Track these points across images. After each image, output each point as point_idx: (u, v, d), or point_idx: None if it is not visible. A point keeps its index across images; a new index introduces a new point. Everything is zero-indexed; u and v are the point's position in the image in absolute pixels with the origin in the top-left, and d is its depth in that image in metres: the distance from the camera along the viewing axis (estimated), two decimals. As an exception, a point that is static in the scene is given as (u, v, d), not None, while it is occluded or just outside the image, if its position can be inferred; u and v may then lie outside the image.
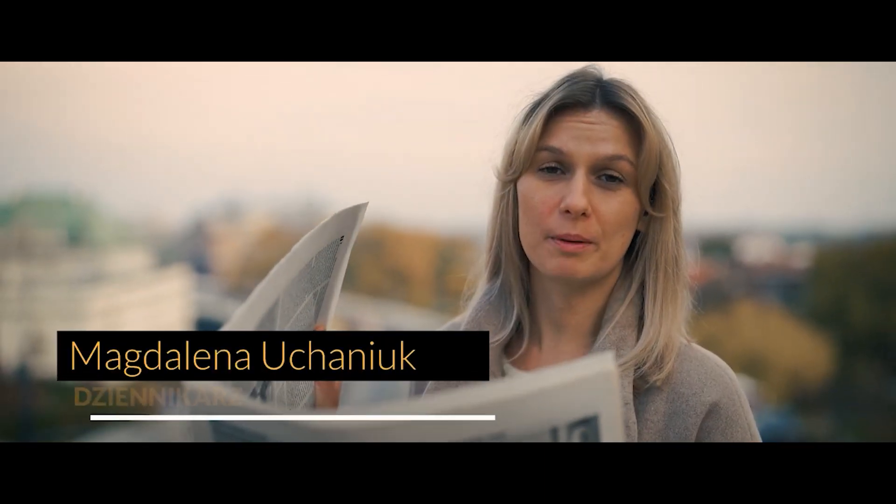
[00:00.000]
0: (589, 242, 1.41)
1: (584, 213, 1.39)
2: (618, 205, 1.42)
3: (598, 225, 1.41)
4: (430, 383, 1.50)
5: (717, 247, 56.76)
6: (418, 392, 1.60)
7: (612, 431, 0.93)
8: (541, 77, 1.50)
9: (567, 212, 1.40)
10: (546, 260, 1.42)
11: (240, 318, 1.14)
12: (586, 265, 1.42)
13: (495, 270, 1.54)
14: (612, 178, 1.42)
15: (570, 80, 1.46)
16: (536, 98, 1.48)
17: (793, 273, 48.65)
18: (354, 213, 1.36)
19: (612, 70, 1.49)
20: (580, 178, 1.40)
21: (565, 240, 1.40)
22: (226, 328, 1.12)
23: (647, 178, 1.43)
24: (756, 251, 56.64)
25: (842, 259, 41.47)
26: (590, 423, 0.92)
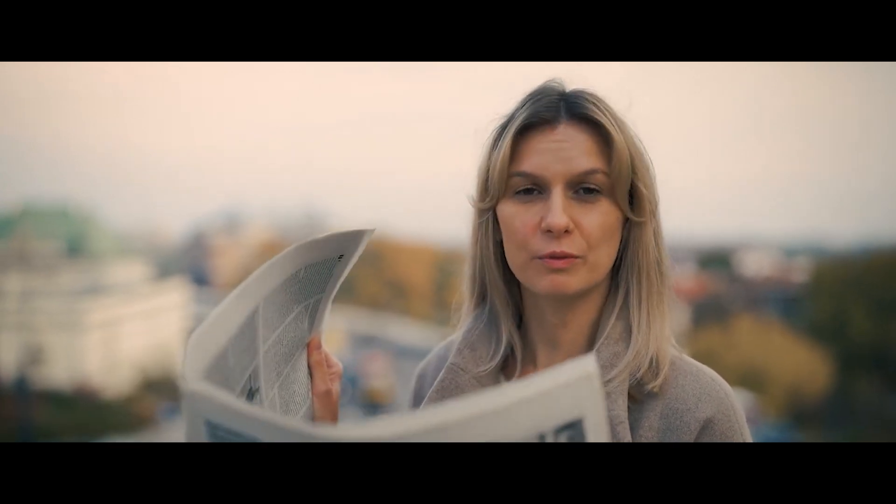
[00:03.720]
0: (576, 257, 1.39)
1: (566, 231, 1.38)
2: (599, 216, 1.40)
3: (583, 239, 1.40)
4: (428, 396, 1.50)
5: (717, 260, 56.67)
6: (417, 405, 1.60)
7: (597, 433, 0.94)
8: (514, 95, 1.47)
9: (549, 231, 1.38)
10: (536, 279, 1.41)
11: (215, 321, 1.11)
12: (576, 279, 1.41)
13: (482, 296, 1.53)
14: (589, 191, 1.40)
15: (533, 97, 1.44)
16: (503, 120, 1.46)
17: (792, 287, 48.59)
18: (358, 236, 1.35)
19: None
20: (558, 197, 1.39)
21: (552, 257, 1.39)
22: (199, 332, 1.08)
23: (621, 184, 1.41)
24: (755, 265, 56.58)
25: (841, 273, 41.43)
26: (575, 426, 0.93)
